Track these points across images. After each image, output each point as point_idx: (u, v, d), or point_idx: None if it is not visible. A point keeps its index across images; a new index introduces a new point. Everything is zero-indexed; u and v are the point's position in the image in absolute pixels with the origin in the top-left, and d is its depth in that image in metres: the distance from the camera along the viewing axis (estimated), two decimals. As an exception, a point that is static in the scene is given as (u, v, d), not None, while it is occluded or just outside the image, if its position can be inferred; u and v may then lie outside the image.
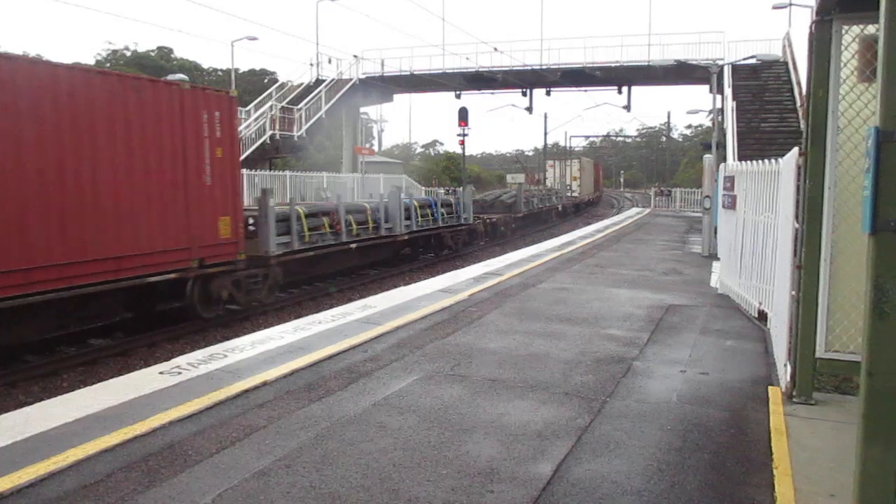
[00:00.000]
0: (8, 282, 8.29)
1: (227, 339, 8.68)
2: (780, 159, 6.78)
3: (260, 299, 12.63)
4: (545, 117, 67.79)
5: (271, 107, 31.42)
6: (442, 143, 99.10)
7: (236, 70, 44.79)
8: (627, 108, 41.00)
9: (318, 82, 36.79)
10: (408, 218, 18.59)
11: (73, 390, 6.01)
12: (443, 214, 20.97)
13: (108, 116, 9.60)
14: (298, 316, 10.67)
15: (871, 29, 4.56)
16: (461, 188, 26.39)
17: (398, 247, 19.01)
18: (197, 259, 11.03)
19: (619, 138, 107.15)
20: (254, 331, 9.15)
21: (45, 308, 9.01)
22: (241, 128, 25.87)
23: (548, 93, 41.28)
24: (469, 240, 23.02)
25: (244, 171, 21.20)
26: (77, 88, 9.21)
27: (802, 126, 5.24)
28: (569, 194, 45.88)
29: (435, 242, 20.88)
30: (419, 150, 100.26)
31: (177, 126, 10.67)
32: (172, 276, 10.61)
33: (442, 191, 30.86)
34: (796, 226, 5.25)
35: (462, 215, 22.43)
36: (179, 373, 5.69)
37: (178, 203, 10.68)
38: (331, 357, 6.29)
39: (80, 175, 9.21)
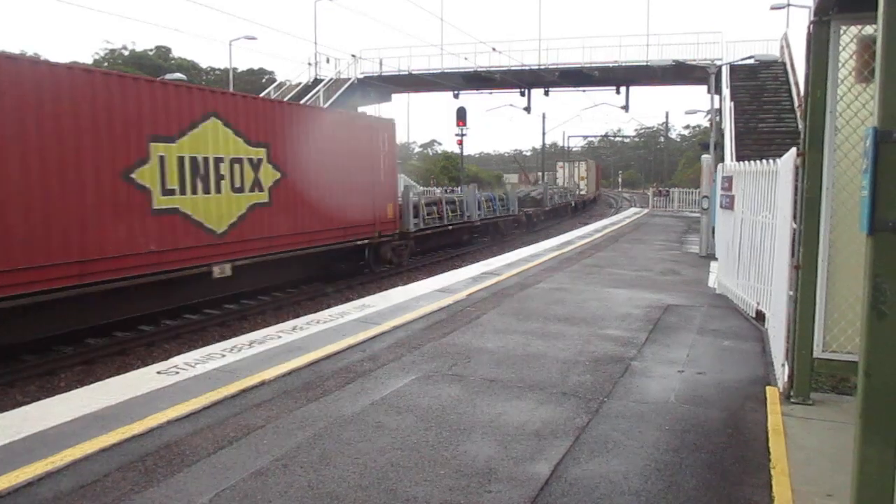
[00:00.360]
0: (299, 239, 13.97)
1: (225, 338, 8.67)
2: (778, 160, 6.78)
3: (402, 262, 18.47)
4: (543, 117, 67.67)
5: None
6: (440, 143, 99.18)
7: (234, 69, 44.73)
8: (626, 108, 41.10)
9: (317, 82, 36.81)
10: (479, 209, 24.45)
11: (70, 390, 5.99)
12: (499, 207, 26.98)
13: (341, 138, 15.56)
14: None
15: (868, 29, 4.57)
16: (459, 187, 29.94)
17: (472, 230, 24.77)
18: (377, 231, 16.92)
19: (618, 138, 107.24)
20: (252, 330, 9.14)
21: (302, 259, 14.47)
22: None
23: (546, 93, 41.26)
24: (515, 227, 28.94)
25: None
26: (339, 125, 15.78)
27: (800, 126, 5.25)
28: (577, 192, 50.06)
29: (493, 229, 26.72)
30: (417, 149, 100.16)
31: (368, 144, 16.69)
32: (366, 241, 16.55)
33: (439, 190, 32.45)
34: (794, 226, 5.26)
35: (511, 208, 28.53)
36: (177, 372, 5.68)
37: (369, 193, 16.58)
38: (329, 357, 6.28)
39: (330, 177, 14.88)
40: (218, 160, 11.76)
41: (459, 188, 29.58)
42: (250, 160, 12.56)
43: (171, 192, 10.76)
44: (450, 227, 21.83)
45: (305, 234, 14.14)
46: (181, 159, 10.96)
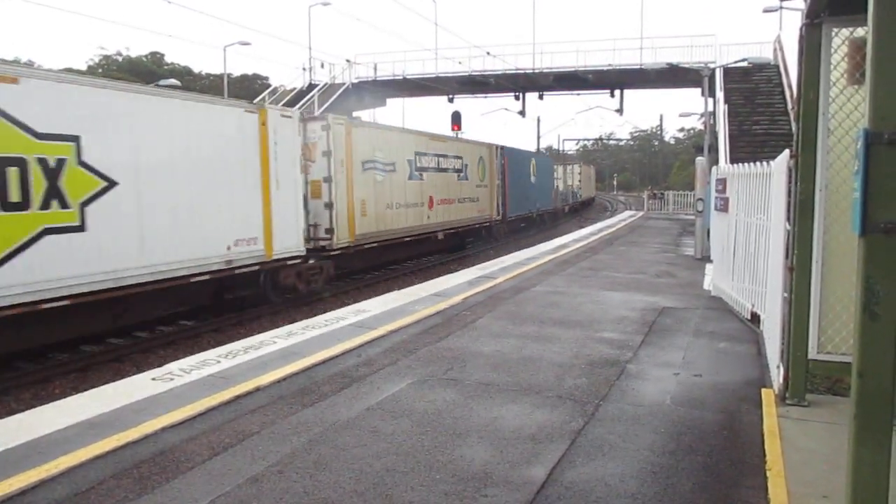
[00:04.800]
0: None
1: (221, 344, 8.65)
2: (771, 162, 6.80)
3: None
4: (538, 121, 67.73)
5: (264, 111, 31.41)
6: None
7: (229, 75, 44.69)
8: (620, 111, 41.10)
9: (311, 87, 36.81)
10: None
11: (65, 397, 5.97)
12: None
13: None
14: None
15: (860, 31, 4.59)
16: None
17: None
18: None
19: (612, 141, 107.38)
20: (247, 335, 9.11)
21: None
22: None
23: (540, 96, 41.36)
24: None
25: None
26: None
27: (794, 128, 5.26)
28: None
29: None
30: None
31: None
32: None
33: None
34: (788, 228, 5.27)
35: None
36: (172, 379, 5.66)
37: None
38: (324, 362, 6.27)
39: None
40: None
41: None
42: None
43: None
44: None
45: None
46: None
